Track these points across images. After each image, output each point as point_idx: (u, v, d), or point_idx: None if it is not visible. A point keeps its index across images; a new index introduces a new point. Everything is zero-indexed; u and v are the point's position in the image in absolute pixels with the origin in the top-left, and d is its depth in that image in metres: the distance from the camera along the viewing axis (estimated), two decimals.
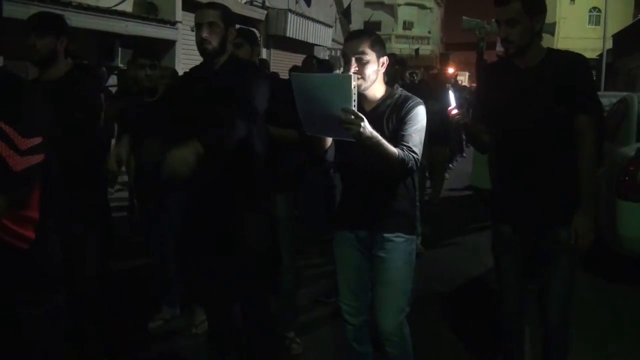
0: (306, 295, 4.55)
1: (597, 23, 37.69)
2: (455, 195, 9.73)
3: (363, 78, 2.56)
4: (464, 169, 10.40)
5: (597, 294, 4.90)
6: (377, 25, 35.44)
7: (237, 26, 3.14)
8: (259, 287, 3.13)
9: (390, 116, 2.61)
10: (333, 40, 23.01)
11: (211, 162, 2.68)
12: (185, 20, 12.58)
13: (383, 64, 2.64)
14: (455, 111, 2.84)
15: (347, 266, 2.81)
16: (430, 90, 7.30)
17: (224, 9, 2.95)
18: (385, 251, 2.68)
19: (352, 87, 2.19)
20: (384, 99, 2.67)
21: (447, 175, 10.91)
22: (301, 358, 3.69)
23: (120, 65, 9.86)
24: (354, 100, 2.21)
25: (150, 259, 4.27)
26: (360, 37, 2.61)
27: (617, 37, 26.25)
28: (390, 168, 2.50)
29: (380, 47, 2.63)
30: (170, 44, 11.73)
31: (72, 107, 2.86)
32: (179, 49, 11.97)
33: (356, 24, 29.88)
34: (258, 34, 15.37)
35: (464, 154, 13.68)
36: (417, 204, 5.08)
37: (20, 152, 1.48)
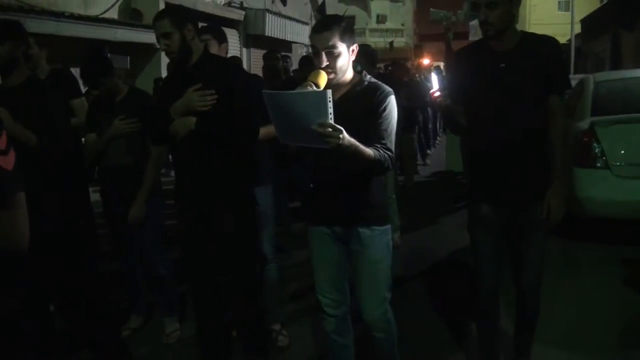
0: (287, 290, 4.59)
1: (567, 9, 38.31)
2: (432, 180, 10.19)
3: (334, 72, 2.46)
4: (441, 155, 10.86)
5: (562, 251, 5.41)
6: (351, 20, 35.87)
7: (201, 24, 3.20)
8: (250, 280, 3.20)
9: (360, 102, 2.53)
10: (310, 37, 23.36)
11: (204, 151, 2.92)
12: None
13: (353, 51, 2.52)
14: (437, 94, 2.87)
15: (325, 261, 2.75)
16: (401, 80, 7.77)
17: (171, 14, 2.98)
18: (363, 245, 2.63)
19: (328, 101, 2.09)
20: (353, 85, 2.57)
21: (428, 161, 11.44)
22: (288, 350, 3.73)
23: None
24: (331, 113, 2.12)
25: (121, 266, 4.10)
26: (329, 29, 2.44)
27: (584, 22, 26.93)
28: (366, 169, 2.50)
29: (350, 36, 2.49)
30: (155, 49, 12.08)
31: (34, 112, 2.91)
32: (164, 54, 12.24)
33: None
34: (237, 34, 15.77)
35: (438, 140, 14.15)
36: (394, 196, 5.42)
37: (3, 152, 1.39)
